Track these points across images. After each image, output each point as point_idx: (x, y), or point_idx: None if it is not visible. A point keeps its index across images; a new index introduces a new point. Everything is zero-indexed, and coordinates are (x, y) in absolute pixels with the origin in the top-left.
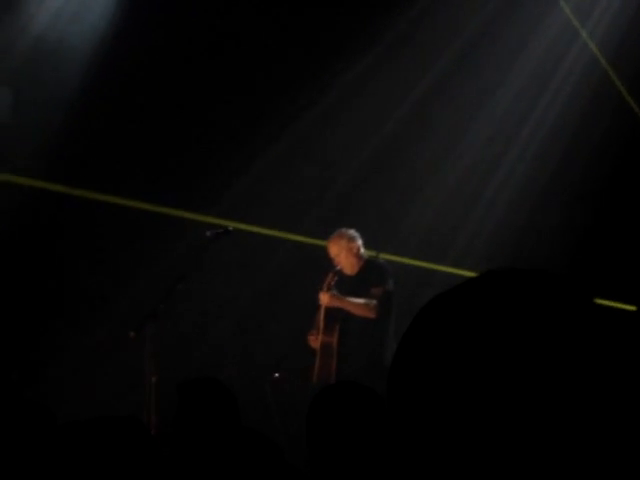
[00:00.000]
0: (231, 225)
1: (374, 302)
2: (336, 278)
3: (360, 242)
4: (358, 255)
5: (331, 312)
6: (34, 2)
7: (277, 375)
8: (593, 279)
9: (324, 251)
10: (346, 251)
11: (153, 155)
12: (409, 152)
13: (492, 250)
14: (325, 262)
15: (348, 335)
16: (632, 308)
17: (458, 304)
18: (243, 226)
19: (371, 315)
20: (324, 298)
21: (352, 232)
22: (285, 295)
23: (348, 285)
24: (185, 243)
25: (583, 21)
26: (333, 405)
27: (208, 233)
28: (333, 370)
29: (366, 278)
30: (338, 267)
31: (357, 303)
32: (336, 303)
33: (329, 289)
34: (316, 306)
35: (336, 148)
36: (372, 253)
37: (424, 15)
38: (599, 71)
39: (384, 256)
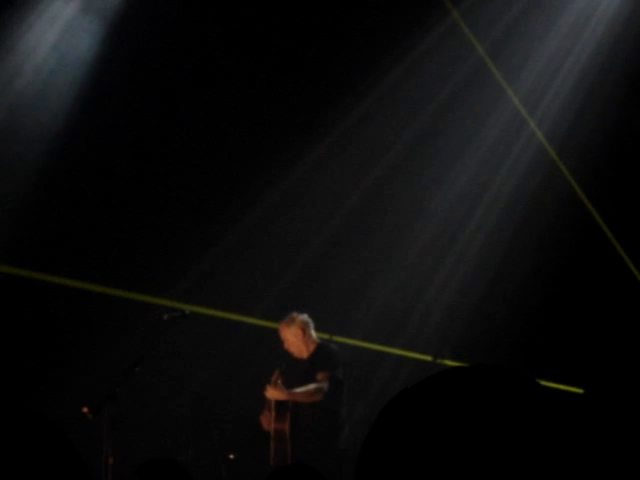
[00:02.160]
0: (187, 308)
1: (322, 386)
2: (282, 377)
3: (311, 326)
4: (308, 339)
5: (280, 402)
6: None
7: (232, 457)
8: (542, 363)
9: (277, 333)
10: (296, 335)
11: (110, 237)
12: (364, 234)
13: (443, 333)
14: (279, 344)
15: (300, 421)
16: (579, 391)
17: (424, 399)
18: (200, 309)
19: (318, 399)
20: (272, 393)
21: (303, 317)
22: (241, 376)
23: (299, 369)
24: (142, 325)
25: (531, 111)
26: None
27: (165, 316)
28: (289, 454)
29: (316, 363)
30: (283, 364)
31: (303, 392)
32: (283, 397)
33: (275, 385)
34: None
35: (293, 230)
36: (325, 336)
37: (375, 104)
38: (547, 159)
39: (337, 338)
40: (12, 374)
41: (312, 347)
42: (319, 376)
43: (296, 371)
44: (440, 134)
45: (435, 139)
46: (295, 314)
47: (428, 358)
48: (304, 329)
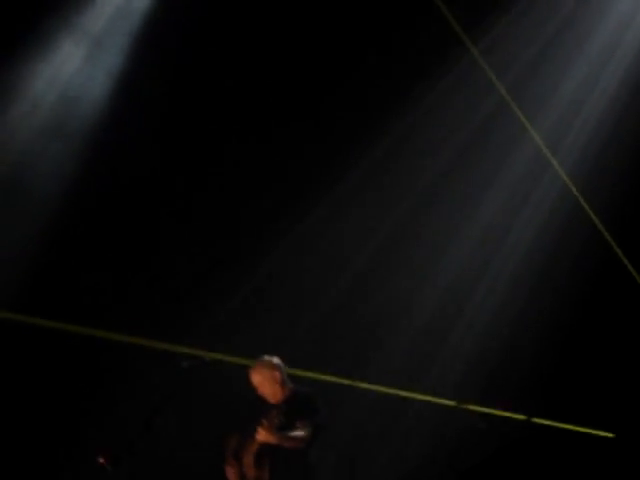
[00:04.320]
0: (207, 355)
1: (306, 433)
2: (279, 419)
3: (284, 371)
4: (282, 384)
5: (264, 447)
6: None
7: None
8: (567, 405)
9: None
10: (270, 380)
11: (125, 283)
12: (383, 279)
13: (467, 379)
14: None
15: (277, 468)
16: (609, 435)
17: None
18: (220, 356)
19: (301, 446)
20: (265, 436)
21: (275, 360)
22: None
23: (275, 414)
24: (161, 374)
25: (554, 151)
26: None
27: (184, 364)
28: None
29: (293, 408)
30: (279, 404)
31: (290, 438)
32: (274, 440)
33: (271, 428)
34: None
35: (310, 274)
36: (347, 381)
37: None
38: (570, 199)
39: (358, 383)
40: (26, 427)
41: (287, 392)
42: (299, 424)
43: (271, 415)
44: (460, 174)
45: (455, 179)
46: (267, 357)
47: (452, 403)
48: (281, 373)
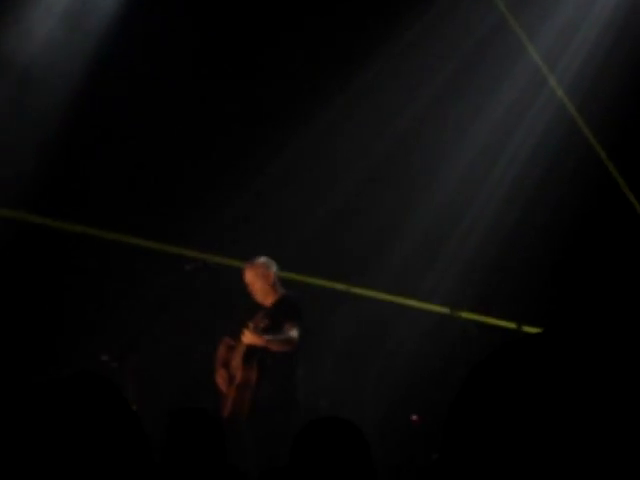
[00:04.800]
0: (210, 259)
1: (294, 335)
2: (265, 321)
3: (275, 271)
4: (273, 285)
5: (251, 348)
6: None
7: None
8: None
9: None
10: (261, 278)
11: (135, 187)
12: (383, 188)
13: (461, 286)
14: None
15: (265, 370)
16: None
17: (516, 363)
18: (223, 260)
19: (289, 349)
20: (250, 338)
21: (269, 260)
22: None
23: (261, 315)
24: (165, 276)
25: (552, 67)
26: (325, 441)
27: (187, 267)
28: (247, 404)
29: (281, 311)
30: (268, 307)
31: (278, 340)
32: (259, 342)
33: (256, 329)
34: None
35: (315, 181)
36: (344, 287)
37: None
38: (567, 118)
39: (358, 290)
40: (34, 323)
41: (277, 295)
42: (287, 326)
43: (257, 317)
44: (459, 92)
45: (454, 97)
46: (263, 258)
47: (445, 311)
48: (272, 273)
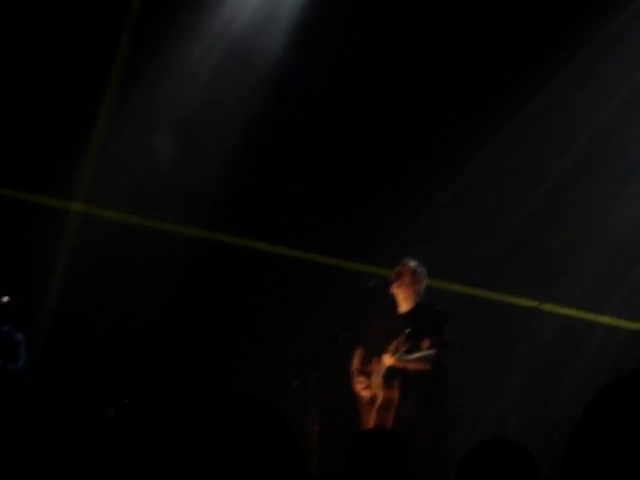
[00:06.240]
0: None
1: (431, 354)
2: (408, 344)
3: (424, 279)
4: (417, 290)
5: (392, 369)
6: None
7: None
8: None
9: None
10: (409, 278)
11: (319, 206)
12: (574, 198)
13: None
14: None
15: (408, 390)
16: None
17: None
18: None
19: (427, 368)
20: (389, 361)
21: (422, 267)
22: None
23: (398, 325)
24: (348, 293)
25: None
26: (491, 464)
27: (371, 283)
28: (390, 423)
29: (419, 326)
30: (406, 313)
31: (416, 361)
32: (401, 365)
33: (396, 353)
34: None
35: (498, 198)
36: (534, 303)
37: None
38: None
39: (545, 306)
40: (217, 342)
41: (417, 302)
42: (425, 343)
43: (394, 329)
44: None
45: None
46: (417, 262)
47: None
48: (421, 278)
